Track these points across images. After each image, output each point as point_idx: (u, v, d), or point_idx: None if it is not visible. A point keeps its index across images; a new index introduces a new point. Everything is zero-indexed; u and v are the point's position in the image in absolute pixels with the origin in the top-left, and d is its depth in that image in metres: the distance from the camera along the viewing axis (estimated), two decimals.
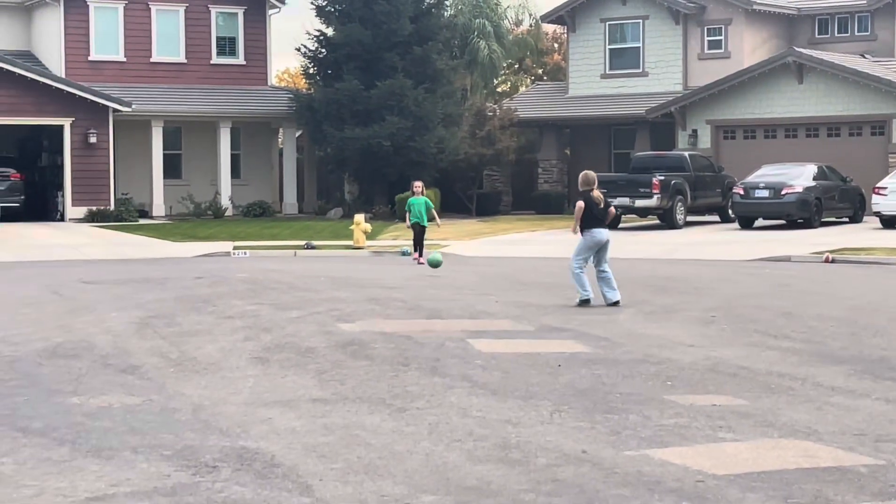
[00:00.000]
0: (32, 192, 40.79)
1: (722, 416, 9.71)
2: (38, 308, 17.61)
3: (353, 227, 32.27)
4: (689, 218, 37.77)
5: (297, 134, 46.57)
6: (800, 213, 35.13)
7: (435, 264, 23.78)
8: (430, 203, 28.43)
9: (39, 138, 42.83)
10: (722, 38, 44.87)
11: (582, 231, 18.01)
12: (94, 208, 39.85)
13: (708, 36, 45.11)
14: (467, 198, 45.97)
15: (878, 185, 34.49)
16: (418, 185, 28.62)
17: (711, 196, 38.59)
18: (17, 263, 27.03)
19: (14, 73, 38.89)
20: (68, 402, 10.44)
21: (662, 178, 36.07)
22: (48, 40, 43.64)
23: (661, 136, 44.66)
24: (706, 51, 45.06)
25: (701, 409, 9.94)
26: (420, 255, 27.22)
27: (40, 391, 10.94)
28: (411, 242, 28.07)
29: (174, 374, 11.82)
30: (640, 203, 36.18)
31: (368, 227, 32.31)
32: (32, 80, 39.22)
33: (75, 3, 42.84)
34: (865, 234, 32.50)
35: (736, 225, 36.46)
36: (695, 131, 42.86)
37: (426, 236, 28.01)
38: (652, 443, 8.77)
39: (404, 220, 28.28)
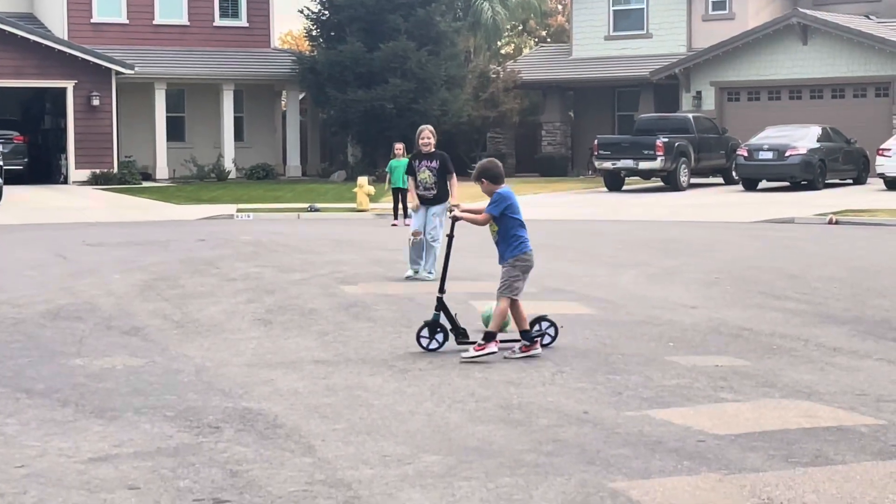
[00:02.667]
0: (36, 154, 40.78)
1: (724, 376, 9.72)
2: (41, 270, 17.64)
3: (356, 189, 32.24)
4: (693, 180, 37.73)
5: (301, 97, 46.49)
6: (803, 175, 35.08)
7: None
8: None
9: (42, 101, 42.79)
10: None
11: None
12: (97, 171, 39.85)
13: None
14: (471, 160, 45.88)
15: (882, 146, 34.43)
16: (399, 147, 27.68)
17: (715, 158, 38.54)
18: (20, 226, 27.05)
19: (17, 35, 38.80)
20: (71, 363, 10.46)
21: (666, 139, 36.00)
22: (51, 2, 43.52)
23: (665, 98, 44.56)
24: (710, 12, 44.89)
25: (703, 370, 9.96)
26: (399, 220, 26.72)
27: (44, 353, 10.97)
28: (398, 205, 27.28)
29: (177, 336, 11.85)
30: (643, 165, 36.14)
31: (372, 189, 32.26)
32: (35, 42, 39.14)
33: None
34: (869, 196, 32.46)
35: (740, 187, 36.43)
36: (699, 93, 42.77)
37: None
38: (653, 403, 8.79)
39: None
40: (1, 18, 39.16)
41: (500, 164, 11.31)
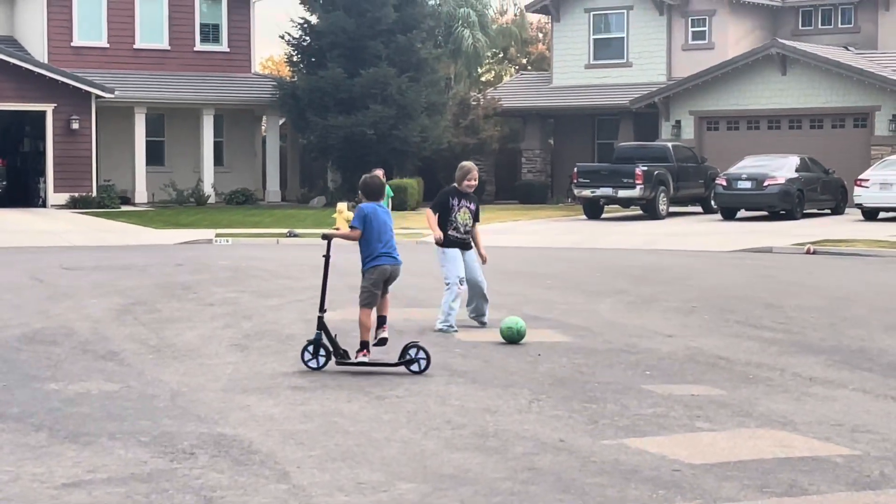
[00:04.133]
0: (14, 177, 40.67)
1: (700, 405, 9.73)
2: (17, 293, 17.57)
3: (335, 215, 32.15)
4: (672, 208, 37.83)
5: (281, 122, 46.49)
6: (782, 205, 35.20)
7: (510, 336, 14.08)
8: (391, 192, 28.23)
9: (22, 124, 42.69)
10: (706, 28, 44.91)
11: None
12: (76, 195, 39.74)
13: (692, 27, 45.14)
14: None
15: (860, 177, 34.58)
16: (379, 173, 28.02)
17: (694, 187, 38.65)
18: None
19: None
20: (46, 387, 10.41)
21: (645, 168, 36.10)
22: (31, 26, 43.46)
23: (644, 126, 44.72)
24: (690, 42, 45.11)
25: (679, 399, 9.96)
26: None
27: (18, 377, 10.92)
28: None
29: (153, 361, 11.81)
30: (622, 193, 36.21)
31: (351, 215, 32.17)
32: (14, 65, 39.07)
33: None
34: (847, 226, 32.58)
35: (718, 216, 36.52)
36: (678, 122, 42.93)
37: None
38: (629, 432, 8.79)
39: None
40: None
41: (379, 180, 11.82)
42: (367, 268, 11.50)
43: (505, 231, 33.18)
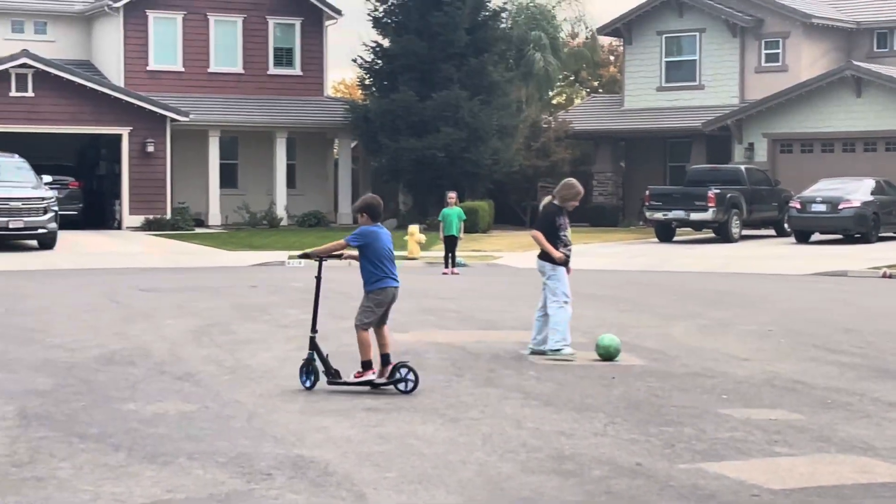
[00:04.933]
0: (90, 200, 41.15)
1: (778, 430, 9.64)
2: (95, 315, 17.75)
3: (407, 237, 32.31)
4: (745, 232, 37.55)
5: (353, 144, 46.73)
6: (857, 228, 34.84)
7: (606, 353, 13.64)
8: (463, 215, 28.25)
9: (98, 147, 43.21)
10: (779, 51, 44.61)
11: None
12: (150, 217, 40.14)
13: (765, 49, 44.85)
14: (521, 209, 45.97)
15: None
16: (452, 195, 28.35)
17: (767, 210, 38.35)
18: (74, 271, 27.26)
19: (74, 82, 39.27)
20: (124, 408, 10.51)
21: (718, 191, 35.90)
22: (108, 50, 44.04)
23: (716, 149, 44.46)
24: (763, 64, 44.81)
25: (757, 424, 9.87)
26: (451, 269, 27.03)
27: (97, 397, 11.03)
28: (451, 253, 27.39)
29: (229, 382, 11.88)
30: (695, 216, 36.02)
31: (423, 237, 32.33)
32: (92, 89, 39.58)
33: (135, 13, 43.22)
34: None
35: (792, 239, 36.21)
36: (751, 144, 42.64)
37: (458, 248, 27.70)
38: (707, 456, 8.71)
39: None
40: (59, 66, 39.66)
41: (380, 202, 11.65)
42: (372, 289, 11.39)
43: (576, 254, 33.04)
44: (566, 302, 13.52)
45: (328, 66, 47.00)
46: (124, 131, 40.16)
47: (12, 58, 38.62)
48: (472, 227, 36.70)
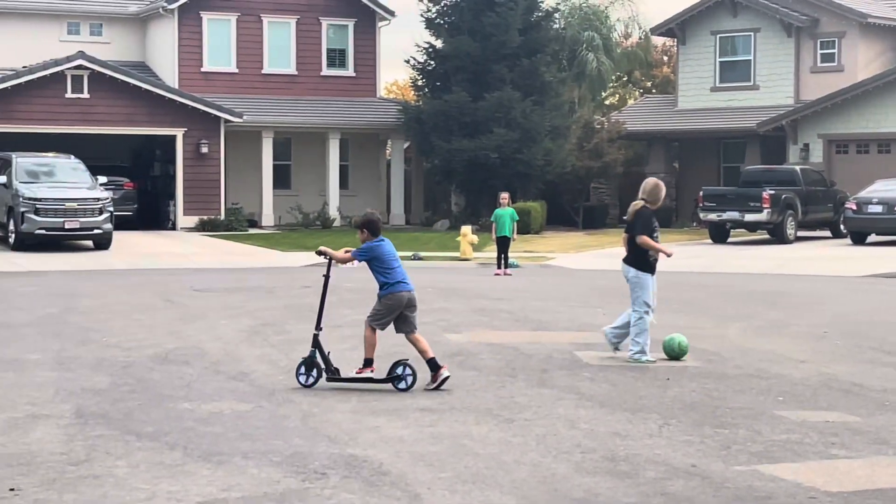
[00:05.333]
0: (145, 200, 41.41)
1: (835, 432, 9.56)
2: (150, 315, 17.87)
3: (459, 238, 32.30)
4: (800, 233, 37.26)
5: (405, 145, 46.77)
6: None
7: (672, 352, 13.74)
8: (516, 215, 28.17)
9: (152, 148, 43.50)
10: (835, 51, 44.23)
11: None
12: (204, 217, 40.35)
13: (821, 49, 44.48)
14: (574, 210, 45.84)
15: None
16: (505, 196, 28.27)
17: (823, 211, 38.04)
18: (129, 271, 27.46)
19: (129, 83, 39.55)
20: (180, 407, 10.57)
21: (773, 192, 35.65)
22: (162, 51, 44.34)
23: (771, 149, 44.16)
24: (819, 64, 44.45)
25: (813, 425, 9.80)
26: (504, 270, 26.99)
27: (152, 396, 11.10)
28: (503, 254, 27.36)
29: (283, 382, 11.92)
30: (749, 217, 35.79)
31: (475, 238, 32.31)
32: (147, 90, 39.85)
33: (189, 15, 43.48)
34: None
35: (848, 240, 35.90)
36: (806, 145, 42.31)
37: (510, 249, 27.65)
38: (763, 458, 8.66)
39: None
40: (114, 67, 39.96)
41: (379, 218, 12.22)
42: (385, 293, 11.81)
43: None
44: (647, 312, 13.46)
45: (381, 67, 47.05)
46: (179, 132, 40.41)
47: (68, 59, 38.92)
48: (524, 227, 36.61)
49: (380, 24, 46.51)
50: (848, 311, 18.91)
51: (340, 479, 7.99)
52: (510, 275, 26.86)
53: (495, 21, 42.04)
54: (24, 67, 39.80)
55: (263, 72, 44.61)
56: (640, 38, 58.65)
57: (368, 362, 11.67)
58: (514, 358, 13.37)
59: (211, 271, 27.57)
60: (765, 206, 35.41)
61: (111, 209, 32.30)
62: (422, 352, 11.62)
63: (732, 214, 35.99)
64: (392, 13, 46.43)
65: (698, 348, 14.29)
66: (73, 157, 34.32)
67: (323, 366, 11.63)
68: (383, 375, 11.58)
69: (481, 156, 41.21)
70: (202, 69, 43.67)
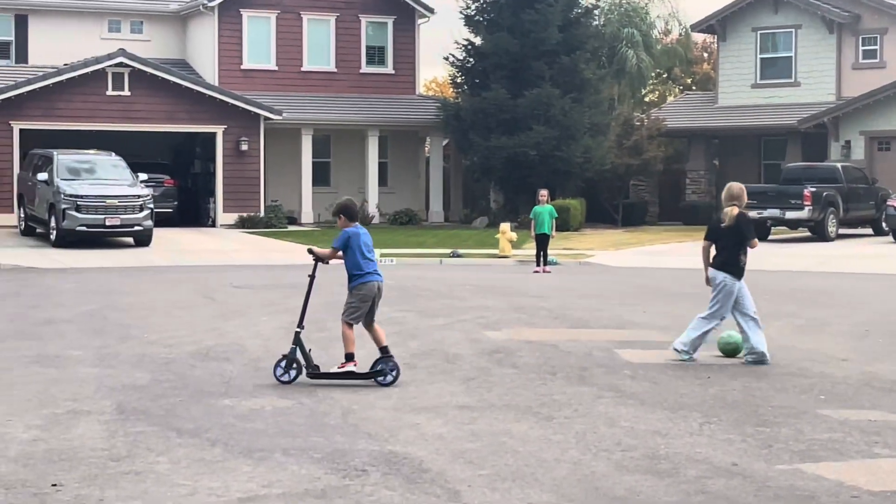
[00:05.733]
0: (185, 198, 41.57)
1: (878, 431, 9.49)
2: (190, 311, 17.94)
3: (498, 235, 32.28)
4: (841, 230, 37.02)
5: (444, 143, 46.77)
6: None
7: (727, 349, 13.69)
8: (555, 212, 28.10)
9: (192, 145, 43.66)
10: (877, 47, 43.93)
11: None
12: (244, 214, 40.46)
13: (862, 45, 44.20)
14: (613, 207, 45.71)
15: None
16: (544, 193, 28.22)
17: (864, 208, 37.79)
18: (169, 268, 27.58)
19: (169, 81, 39.71)
20: (220, 403, 10.61)
21: (814, 189, 35.44)
22: (202, 49, 44.50)
23: (812, 146, 43.89)
24: (860, 60, 44.17)
25: (855, 424, 9.73)
26: (543, 267, 26.97)
27: (193, 393, 11.14)
28: (542, 251, 27.35)
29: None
30: (790, 215, 35.59)
31: (514, 235, 32.28)
32: (187, 88, 40.00)
33: (229, 12, 43.62)
34: None
35: (890, 238, 35.64)
36: (848, 142, 42.04)
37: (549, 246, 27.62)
38: (805, 457, 8.60)
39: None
40: (155, 65, 40.13)
41: (357, 204, 12.50)
42: (356, 284, 12.00)
43: (667, 252, 32.88)
44: (714, 320, 13.29)
45: (420, 65, 47.05)
46: (219, 130, 40.54)
47: (109, 57, 39.11)
48: (563, 225, 36.54)
49: (419, 21, 46.51)
50: (890, 310, 18.78)
51: (381, 475, 8.00)
52: (549, 272, 26.82)
53: (534, 18, 41.96)
54: (65, 65, 40.02)
55: (303, 69, 44.70)
56: (680, 35, 58.44)
57: (350, 357, 11.79)
58: (554, 355, 13.34)
59: (250, 268, 27.65)
60: (806, 203, 35.20)
61: (151, 206, 32.46)
62: (377, 340, 11.84)
63: (773, 212, 35.79)
64: (431, 10, 46.42)
65: None
66: (113, 154, 34.51)
67: (303, 363, 11.72)
68: (366, 370, 11.74)
69: (520, 153, 41.16)
70: (242, 67, 43.80)
